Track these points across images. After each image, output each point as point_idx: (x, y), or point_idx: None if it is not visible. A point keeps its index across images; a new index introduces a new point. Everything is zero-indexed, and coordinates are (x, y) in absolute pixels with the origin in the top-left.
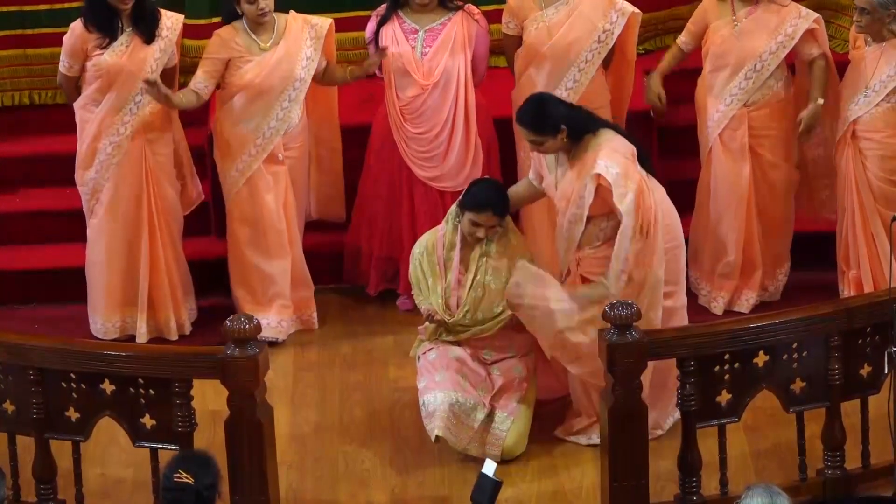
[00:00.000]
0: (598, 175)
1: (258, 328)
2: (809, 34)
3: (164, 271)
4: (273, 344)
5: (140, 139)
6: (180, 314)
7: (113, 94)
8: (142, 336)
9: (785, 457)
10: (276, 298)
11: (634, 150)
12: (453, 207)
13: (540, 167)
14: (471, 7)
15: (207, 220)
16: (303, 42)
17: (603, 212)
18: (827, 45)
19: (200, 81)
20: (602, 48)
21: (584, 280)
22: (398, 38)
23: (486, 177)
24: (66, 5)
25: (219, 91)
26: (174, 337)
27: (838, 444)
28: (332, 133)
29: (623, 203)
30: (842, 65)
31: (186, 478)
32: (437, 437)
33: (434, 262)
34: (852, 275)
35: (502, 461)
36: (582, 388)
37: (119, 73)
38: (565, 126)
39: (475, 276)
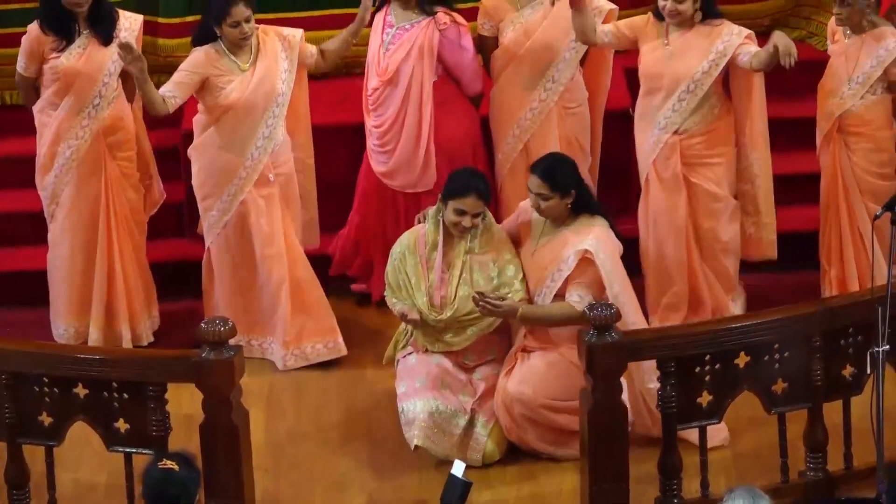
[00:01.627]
0: (586, 251)
1: (233, 331)
2: (745, 44)
3: (122, 279)
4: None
5: (100, 143)
6: (137, 324)
7: (71, 98)
8: (95, 343)
9: (766, 459)
10: (276, 323)
11: (622, 248)
12: (433, 207)
13: (524, 230)
14: (440, 17)
15: (180, 221)
16: (279, 55)
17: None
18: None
19: (170, 90)
20: (580, 47)
21: (525, 350)
22: (377, 29)
23: (466, 166)
24: (33, 5)
25: (199, 116)
26: (129, 346)
27: (820, 446)
28: (304, 149)
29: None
30: (822, 63)
31: (171, 465)
32: (416, 446)
33: (417, 260)
34: (834, 273)
35: (483, 465)
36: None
37: (76, 77)
38: (575, 192)
39: (461, 273)
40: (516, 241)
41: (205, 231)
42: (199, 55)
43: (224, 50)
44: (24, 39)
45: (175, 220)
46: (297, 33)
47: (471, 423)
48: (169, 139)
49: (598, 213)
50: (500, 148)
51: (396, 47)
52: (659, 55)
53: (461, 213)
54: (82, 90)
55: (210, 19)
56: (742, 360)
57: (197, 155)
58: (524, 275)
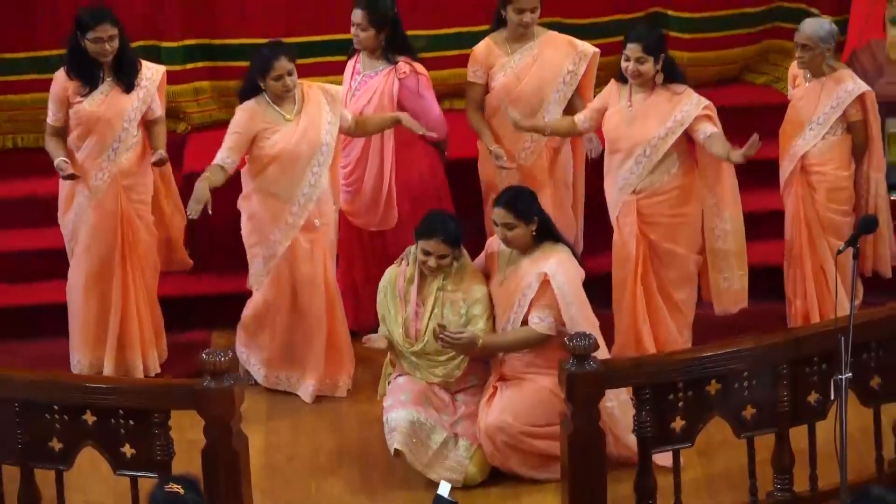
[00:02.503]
0: (545, 274)
1: (234, 361)
2: (704, 118)
3: (135, 314)
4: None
5: (117, 185)
6: (147, 356)
7: (92, 141)
8: (108, 374)
9: (736, 480)
10: (310, 363)
11: (583, 274)
12: (413, 246)
13: (491, 262)
14: (401, 66)
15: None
16: (322, 108)
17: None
18: (720, 126)
19: (227, 156)
20: (567, 89)
21: (503, 378)
22: (347, 76)
23: (442, 209)
24: (46, 53)
25: (247, 168)
26: (141, 377)
27: (787, 468)
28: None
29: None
30: (787, 107)
31: (177, 488)
32: (396, 450)
33: (396, 294)
34: (798, 305)
35: (465, 487)
36: None
37: (98, 122)
38: (538, 219)
39: (433, 308)
40: (487, 275)
41: (251, 275)
42: (244, 114)
43: (268, 101)
44: (51, 87)
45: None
46: (340, 89)
47: (449, 444)
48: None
49: (561, 241)
50: (493, 188)
51: (361, 93)
52: (620, 118)
53: (426, 253)
54: (103, 134)
55: (254, 73)
56: (713, 387)
57: (246, 205)
58: (490, 313)
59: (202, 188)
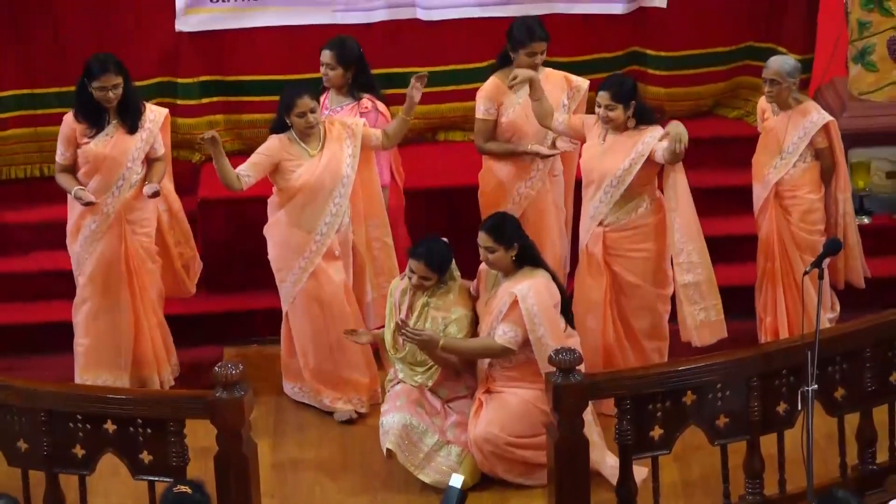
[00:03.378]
0: (515, 295)
1: (244, 374)
2: (661, 143)
3: (147, 335)
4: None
5: (121, 219)
6: (161, 372)
7: (98, 179)
8: None
9: (711, 485)
10: (340, 379)
11: (559, 297)
12: None
13: (480, 284)
14: (364, 102)
15: (201, 276)
16: (344, 142)
17: None
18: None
19: (245, 170)
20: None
21: (489, 392)
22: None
23: (437, 236)
24: (72, 88)
25: (273, 198)
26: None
27: (758, 473)
28: (381, 229)
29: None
30: (758, 139)
31: (185, 489)
32: (388, 450)
33: (393, 303)
34: (769, 322)
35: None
36: None
37: (104, 161)
38: (518, 245)
39: (417, 320)
40: (477, 296)
41: (281, 299)
42: (273, 142)
43: (295, 138)
44: (61, 129)
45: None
46: (360, 122)
47: (438, 445)
48: (187, 205)
49: (541, 266)
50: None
51: None
52: (594, 152)
53: (412, 271)
54: (108, 172)
55: (281, 110)
56: (689, 398)
57: (271, 233)
58: (466, 333)
59: (221, 150)
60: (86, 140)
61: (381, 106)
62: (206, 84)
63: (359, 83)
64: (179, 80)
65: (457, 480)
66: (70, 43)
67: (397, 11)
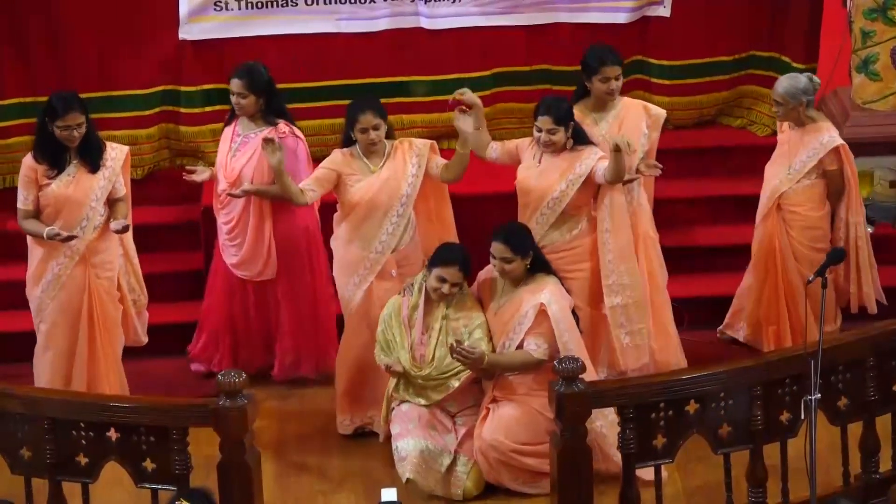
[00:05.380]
0: (542, 304)
1: (246, 382)
2: (601, 160)
3: (106, 384)
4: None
5: (85, 262)
6: None
7: (60, 221)
8: None
9: (713, 494)
10: (368, 402)
11: (572, 302)
12: (418, 275)
13: (484, 291)
14: (281, 127)
15: (201, 286)
16: (408, 161)
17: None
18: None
19: (309, 185)
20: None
21: (495, 400)
22: (226, 138)
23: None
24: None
25: (338, 213)
26: None
27: (761, 482)
28: None
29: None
30: (761, 148)
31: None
32: (407, 479)
33: (401, 322)
34: (772, 330)
35: (464, 500)
36: None
37: (66, 202)
38: (532, 253)
39: (439, 335)
40: (481, 302)
41: (343, 309)
42: (337, 155)
43: (359, 153)
44: (21, 172)
45: (196, 285)
46: (427, 143)
47: (453, 463)
48: (191, 213)
49: (551, 272)
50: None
51: (242, 153)
52: (530, 174)
53: (442, 280)
54: (71, 214)
55: (347, 125)
56: (692, 407)
57: (335, 246)
58: (489, 337)
59: (281, 158)
60: (47, 181)
61: (298, 132)
62: (209, 92)
63: (273, 109)
64: (182, 89)
65: (390, 494)
66: (73, 51)
67: (401, 20)
